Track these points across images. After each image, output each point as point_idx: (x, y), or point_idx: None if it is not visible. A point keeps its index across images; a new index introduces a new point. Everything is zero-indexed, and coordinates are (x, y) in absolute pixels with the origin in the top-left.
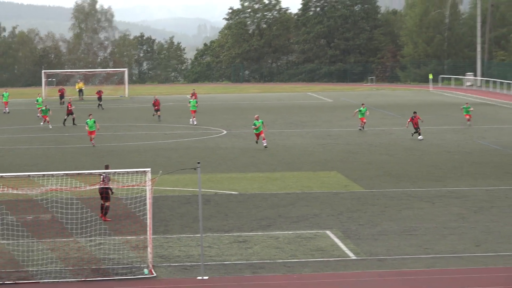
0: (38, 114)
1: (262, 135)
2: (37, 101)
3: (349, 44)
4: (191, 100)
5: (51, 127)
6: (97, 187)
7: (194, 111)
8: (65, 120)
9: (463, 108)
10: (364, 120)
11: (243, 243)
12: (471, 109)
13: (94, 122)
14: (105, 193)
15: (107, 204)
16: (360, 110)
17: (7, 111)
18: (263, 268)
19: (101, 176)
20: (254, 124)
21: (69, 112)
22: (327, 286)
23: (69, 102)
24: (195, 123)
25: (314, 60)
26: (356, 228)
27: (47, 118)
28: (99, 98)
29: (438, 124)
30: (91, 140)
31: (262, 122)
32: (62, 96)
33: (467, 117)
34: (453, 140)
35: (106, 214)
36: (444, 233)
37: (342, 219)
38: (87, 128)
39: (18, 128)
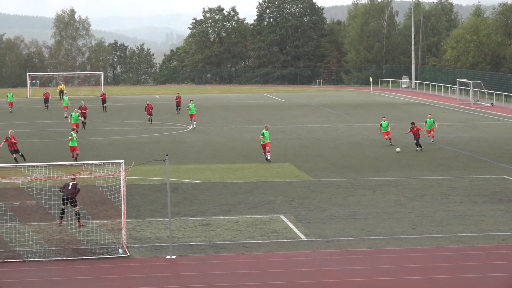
0: (10, 108)
1: (268, 147)
2: (7, 96)
3: (299, 51)
4: (191, 104)
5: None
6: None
7: (194, 115)
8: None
9: (426, 122)
10: (388, 135)
11: (206, 226)
12: (435, 125)
13: (79, 115)
14: (71, 199)
15: (76, 209)
16: (381, 125)
17: (11, 110)
18: (224, 248)
19: (70, 183)
20: (263, 135)
21: (83, 115)
22: (281, 264)
23: (80, 106)
24: (194, 126)
25: (268, 65)
26: (306, 213)
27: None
28: (103, 101)
29: (378, 121)
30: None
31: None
32: (47, 100)
33: (430, 133)
34: (392, 135)
35: (80, 218)
36: (384, 218)
37: (294, 205)
38: (70, 120)
39: (5, 124)
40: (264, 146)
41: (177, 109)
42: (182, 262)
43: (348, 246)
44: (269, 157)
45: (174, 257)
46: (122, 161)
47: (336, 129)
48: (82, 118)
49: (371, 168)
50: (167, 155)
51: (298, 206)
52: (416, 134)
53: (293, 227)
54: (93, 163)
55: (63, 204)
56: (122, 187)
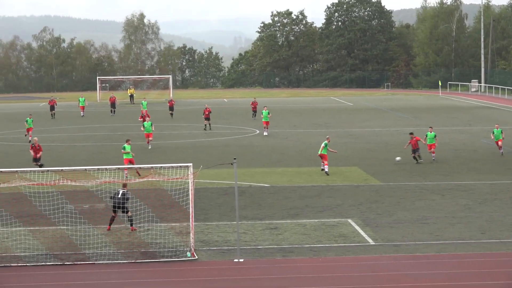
0: (81, 112)
1: (326, 160)
2: (79, 100)
3: (367, 54)
4: (264, 111)
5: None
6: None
7: (267, 122)
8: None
9: (493, 132)
10: (499, 143)
11: (274, 229)
12: (503, 135)
13: (151, 124)
14: (122, 207)
15: (129, 214)
16: (493, 132)
17: (83, 115)
18: (292, 252)
19: (120, 191)
20: (325, 145)
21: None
22: (348, 268)
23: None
24: (266, 134)
25: (336, 68)
26: (374, 217)
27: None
28: (171, 108)
29: (446, 125)
30: (148, 142)
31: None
32: (113, 105)
33: (499, 143)
34: (459, 139)
35: (132, 223)
36: (452, 222)
37: (362, 209)
38: (142, 129)
39: (76, 128)
40: (322, 156)
41: (253, 115)
42: (249, 265)
43: (416, 250)
44: (326, 169)
45: (241, 260)
46: (191, 164)
47: (404, 133)
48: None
49: (439, 172)
50: (235, 158)
51: (366, 210)
52: (414, 145)
53: (360, 231)
54: (161, 166)
55: (114, 212)
56: (190, 190)
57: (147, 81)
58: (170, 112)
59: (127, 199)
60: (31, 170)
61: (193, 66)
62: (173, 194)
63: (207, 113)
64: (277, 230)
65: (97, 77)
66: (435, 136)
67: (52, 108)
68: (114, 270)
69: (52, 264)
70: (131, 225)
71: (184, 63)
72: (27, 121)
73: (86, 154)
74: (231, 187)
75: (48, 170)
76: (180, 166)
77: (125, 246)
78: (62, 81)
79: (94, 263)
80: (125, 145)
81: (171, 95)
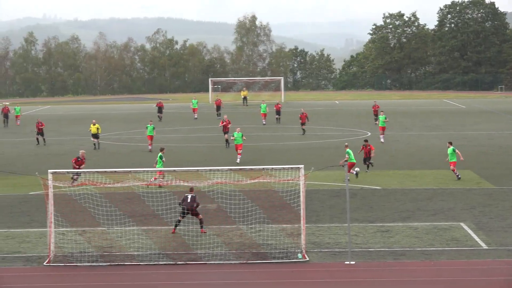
0: (194, 115)
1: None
2: (192, 102)
3: (480, 57)
4: (381, 116)
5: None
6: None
7: (384, 128)
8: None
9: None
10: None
11: (385, 232)
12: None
13: (242, 135)
14: (191, 210)
15: (200, 217)
16: None
17: (196, 117)
18: (403, 255)
19: (189, 196)
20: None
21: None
22: (461, 272)
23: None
24: (382, 141)
25: (449, 71)
26: (487, 221)
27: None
28: (278, 112)
29: None
30: (239, 154)
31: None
32: (219, 108)
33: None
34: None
35: (203, 226)
36: None
37: (474, 213)
38: (233, 138)
39: (190, 129)
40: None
41: (375, 119)
42: (360, 268)
43: None
44: (458, 174)
45: (352, 262)
46: (302, 166)
47: None
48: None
49: None
50: (346, 160)
51: (478, 214)
52: (367, 154)
53: (473, 235)
54: (272, 168)
55: (181, 216)
56: (301, 192)
57: (258, 83)
58: (277, 116)
59: (198, 204)
60: (144, 171)
61: (305, 68)
62: (284, 195)
63: (303, 117)
64: (388, 233)
65: (209, 79)
66: (453, 150)
67: (159, 110)
68: (225, 271)
69: (165, 264)
70: (201, 227)
71: (295, 65)
72: (147, 127)
73: (198, 155)
74: (342, 189)
75: (161, 171)
76: (291, 167)
77: (237, 246)
78: (174, 83)
79: (206, 263)
80: (160, 153)
81: (282, 97)
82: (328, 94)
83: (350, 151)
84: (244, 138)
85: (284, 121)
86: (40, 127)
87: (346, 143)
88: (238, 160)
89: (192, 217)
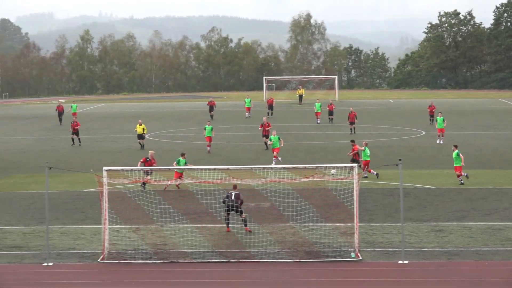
0: (247, 113)
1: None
2: (245, 101)
3: None
4: (439, 117)
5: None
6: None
7: (442, 130)
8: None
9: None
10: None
11: (439, 232)
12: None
13: (279, 138)
14: (235, 208)
15: (243, 216)
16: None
17: (248, 115)
18: (457, 255)
19: (232, 193)
20: None
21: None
22: None
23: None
24: (441, 142)
25: (505, 70)
26: None
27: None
28: (331, 112)
29: None
30: (275, 157)
31: None
32: (271, 106)
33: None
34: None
35: (247, 224)
36: None
37: None
38: (270, 143)
39: (242, 127)
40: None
41: (430, 120)
42: (414, 267)
43: None
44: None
45: (406, 262)
46: (355, 165)
47: None
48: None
49: None
50: (400, 159)
51: None
52: (355, 155)
53: None
54: (326, 167)
55: (227, 214)
56: (355, 191)
57: (312, 82)
58: (330, 116)
59: (242, 201)
60: (198, 168)
61: (359, 67)
62: (338, 194)
63: (352, 117)
64: (442, 233)
65: (264, 77)
66: (458, 154)
67: (211, 109)
68: (278, 269)
69: (218, 262)
70: (245, 225)
71: (350, 64)
72: (205, 128)
73: (251, 153)
74: (396, 188)
75: (214, 169)
76: (345, 166)
77: (290, 245)
78: (229, 81)
79: (259, 261)
80: (180, 158)
81: (336, 96)
82: (382, 93)
83: (367, 150)
84: (281, 142)
85: (338, 120)
86: (75, 127)
87: (366, 141)
88: (273, 164)
89: (246, 215)
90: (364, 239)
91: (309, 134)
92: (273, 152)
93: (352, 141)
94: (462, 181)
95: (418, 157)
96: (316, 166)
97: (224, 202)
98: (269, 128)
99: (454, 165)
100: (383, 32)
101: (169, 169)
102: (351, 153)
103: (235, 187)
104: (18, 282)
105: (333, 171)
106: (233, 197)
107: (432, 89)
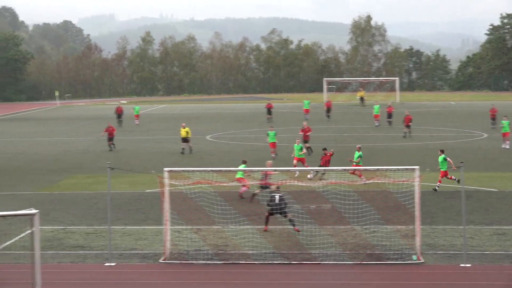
0: (306, 115)
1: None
2: (304, 103)
3: None
4: (504, 121)
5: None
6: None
7: (507, 134)
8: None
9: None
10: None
11: (502, 235)
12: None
13: (301, 148)
14: (280, 211)
15: (289, 216)
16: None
17: (307, 117)
18: None
19: (276, 196)
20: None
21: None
22: None
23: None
24: (507, 147)
25: None
26: None
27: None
28: (389, 115)
29: None
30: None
31: None
32: (329, 110)
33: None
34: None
35: (294, 224)
36: None
37: None
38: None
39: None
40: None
41: (492, 124)
42: (476, 271)
43: None
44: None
45: (468, 265)
46: (417, 167)
47: None
48: None
49: None
50: (462, 162)
51: None
52: (325, 163)
53: None
54: (387, 169)
55: (270, 215)
56: (416, 193)
57: (373, 83)
58: (389, 119)
59: (286, 203)
60: (258, 170)
61: (420, 69)
62: (399, 196)
63: (407, 120)
64: (505, 236)
65: (324, 79)
66: (444, 159)
67: (269, 111)
68: (339, 271)
69: (279, 263)
70: (293, 225)
71: (410, 65)
72: (268, 134)
73: (312, 155)
74: (458, 190)
75: (275, 170)
76: (406, 168)
77: (351, 247)
78: (289, 82)
79: (320, 263)
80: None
81: (397, 98)
82: (443, 95)
83: (358, 154)
84: (304, 151)
85: (398, 122)
86: (112, 131)
87: (359, 145)
88: (296, 175)
89: (307, 217)
90: (426, 241)
91: (371, 136)
92: (301, 162)
93: (324, 149)
94: (437, 187)
95: (480, 159)
96: (377, 168)
97: (268, 205)
98: (310, 133)
99: (440, 170)
100: (444, 34)
101: (229, 170)
102: (322, 162)
103: (278, 188)
104: (80, 282)
105: (309, 175)
106: (277, 200)
107: (494, 91)
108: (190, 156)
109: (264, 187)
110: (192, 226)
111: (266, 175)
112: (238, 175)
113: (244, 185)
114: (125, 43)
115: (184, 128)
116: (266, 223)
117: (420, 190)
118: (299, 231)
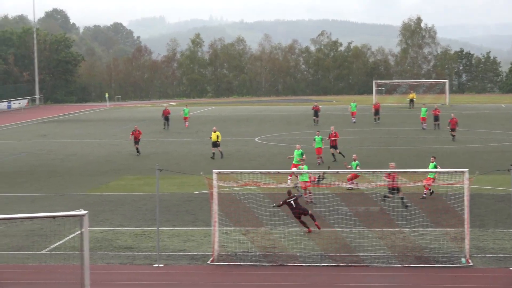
0: (353, 118)
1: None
2: (351, 105)
3: None
4: None
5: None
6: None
7: None
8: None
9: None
10: None
11: None
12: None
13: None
14: (303, 213)
15: (310, 213)
16: None
17: (354, 120)
18: None
19: (291, 201)
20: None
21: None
22: None
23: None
24: None
25: None
26: None
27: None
28: (436, 118)
29: None
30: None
31: None
32: (377, 112)
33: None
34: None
35: (315, 219)
36: None
37: None
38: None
39: (348, 131)
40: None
41: None
42: None
43: None
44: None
45: None
46: (466, 170)
47: None
48: None
49: None
50: (511, 165)
51: None
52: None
53: None
54: (436, 171)
55: (298, 218)
56: (465, 196)
57: (423, 85)
58: (435, 122)
59: (300, 206)
60: (306, 172)
61: (470, 71)
62: (448, 199)
63: (453, 123)
64: None
65: (373, 81)
66: (435, 166)
67: (315, 113)
68: (387, 274)
69: (327, 265)
70: (314, 220)
71: (460, 68)
72: (315, 139)
73: (360, 158)
74: (508, 193)
75: (324, 173)
76: (455, 171)
77: (399, 250)
78: (338, 84)
79: (368, 265)
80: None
81: (447, 100)
82: (494, 97)
83: (355, 164)
84: (304, 157)
85: (446, 124)
86: (137, 135)
87: (355, 155)
88: (288, 183)
89: (355, 219)
90: (475, 244)
91: (420, 139)
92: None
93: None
94: (425, 195)
95: None
96: (426, 171)
97: (293, 213)
98: (337, 138)
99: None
100: (494, 36)
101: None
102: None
103: (289, 193)
104: (128, 283)
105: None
106: (294, 205)
107: None
108: (239, 158)
109: (392, 189)
110: (240, 228)
111: (392, 178)
112: (302, 179)
113: (306, 192)
114: (175, 45)
115: (215, 132)
116: (304, 225)
117: (470, 192)
118: (319, 228)
